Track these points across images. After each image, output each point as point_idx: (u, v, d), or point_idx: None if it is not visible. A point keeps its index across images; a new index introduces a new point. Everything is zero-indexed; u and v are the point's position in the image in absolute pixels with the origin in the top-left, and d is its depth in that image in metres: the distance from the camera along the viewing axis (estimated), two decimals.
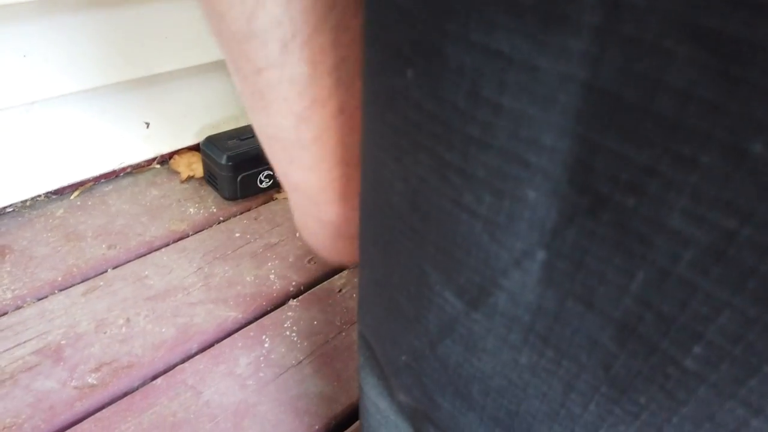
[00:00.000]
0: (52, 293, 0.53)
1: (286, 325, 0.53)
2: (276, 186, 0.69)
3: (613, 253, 0.15)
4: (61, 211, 0.63)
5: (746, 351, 0.13)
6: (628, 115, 0.13)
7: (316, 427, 0.45)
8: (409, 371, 0.25)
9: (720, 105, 0.11)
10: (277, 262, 0.60)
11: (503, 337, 0.19)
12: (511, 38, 0.13)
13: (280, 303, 0.56)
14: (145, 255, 0.59)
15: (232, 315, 0.53)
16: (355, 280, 0.58)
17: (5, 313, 0.51)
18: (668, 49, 0.11)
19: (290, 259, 0.60)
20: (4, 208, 0.61)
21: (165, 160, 0.73)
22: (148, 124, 0.69)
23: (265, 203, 0.68)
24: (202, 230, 0.63)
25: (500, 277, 0.18)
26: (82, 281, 0.55)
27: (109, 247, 0.59)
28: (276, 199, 0.69)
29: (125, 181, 0.69)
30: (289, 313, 0.54)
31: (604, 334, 0.16)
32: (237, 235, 0.63)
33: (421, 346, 0.23)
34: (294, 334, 0.52)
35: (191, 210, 0.65)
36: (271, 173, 0.68)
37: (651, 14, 0.11)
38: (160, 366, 0.48)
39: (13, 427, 0.42)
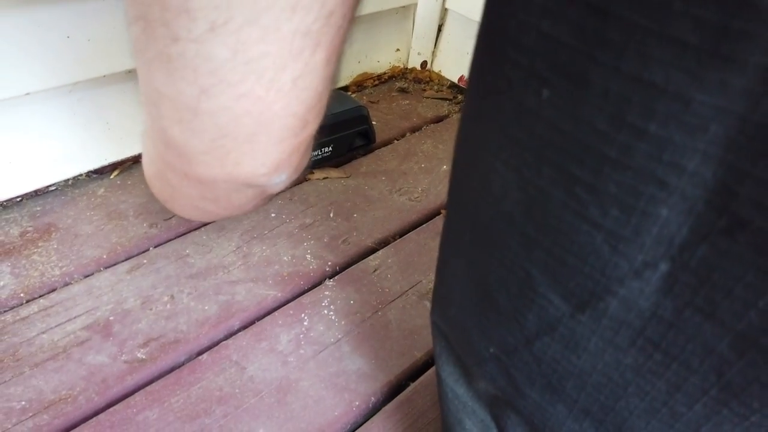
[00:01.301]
0: (98, 270, 0.55)
1: (323, 304, 0.54)
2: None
3: (743, 271, 0.16)
4: (102, 190, 0.64)
5: None
6: None
7: (357, 403, 0.46)
8: (496, 362, 0.26)
9: None
10: (312, 242, 0.61)
11: (608, 339, 0.21)
12: (667, 71, 0.14)
13: (317, 282, 0.57)
14: (185, 234, 0.60)
15: (272, 293, 0.55)
16: (389, 260, 0.60)
17: (54, 290, 0.53)
18: None
19: (325, 240, 0.61)
20: (48, 186, 0.63)
21: None
22: None
23: (298, 184, 0.69)
24: None
25: (615, 285, 0.19)
26: (126, 259, 0.57)
27: (150, 226, 0.60)
28: (309, 179, 0.70)
29: None
30: (326, 293, 0.56)
31: (721, 344, 0.17)
32: (273, 215, 0.64)
33: (514, 342, 0.24)
34: (332, 313, 0.54)
35: None
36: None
37: None
38: (204, 342, 0.50)
39: (69, 399, 0.44)
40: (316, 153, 0.70)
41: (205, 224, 0.62)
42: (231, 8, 0.21)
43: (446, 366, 0.33)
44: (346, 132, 0.72)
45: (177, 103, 0.26)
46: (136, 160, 0.69)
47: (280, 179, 0.31)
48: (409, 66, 0.94)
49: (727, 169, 0.15)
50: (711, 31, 0.13)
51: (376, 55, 0.89)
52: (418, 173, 0.73)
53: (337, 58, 0.27)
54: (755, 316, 0.16)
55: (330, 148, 0.71)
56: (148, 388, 0.46)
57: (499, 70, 0.20)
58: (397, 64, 0.93)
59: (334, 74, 0.28)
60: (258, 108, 0.25)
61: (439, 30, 0.91)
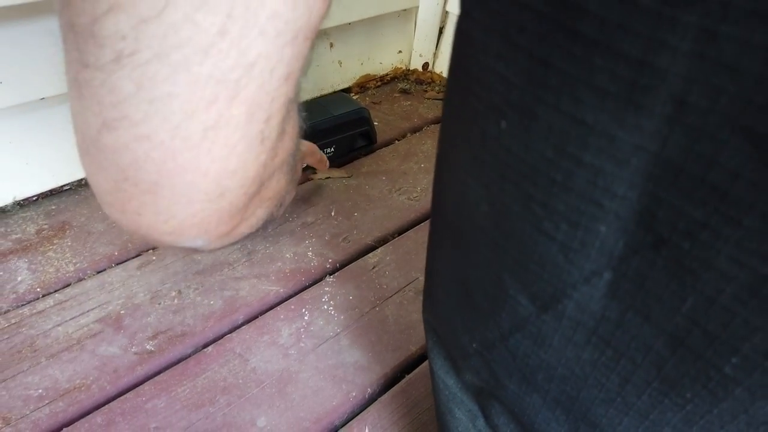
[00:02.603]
0: (110, 266, 0.58)
1: (323, 300, 0.57)
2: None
3: (668, 281, 0.18)
4: None
5: None
6: (688, 181, 0.16)
7: (353, 393, 0.49)
8: (479, 357, 0.29)
9: (759, 183, 0.14)
10: (314, 240, 0.63)
11: (568, 337, 0.23)
12: (595, 113, 0.17)
13: (317, 279, 0.59)
14: None
15: (274, 289, 0.57)
16: (388, 258, 0.62)
17: (68, 285, 0.56)
18: (723, 139, 0.15)
19: (326, 238, 0.64)
20: (62, 186, 0.66)
21: None
22: None
23: (300, 183, 0.72)
24: None
25: (570, 289, 0.22)
26: (137, 255, 0.60)
27: None
28: (311, 179, 0.72)
29: None
30: (326, 288, 0.58)
31: (657, 342, 0.20)
32: None
33: (492, 338, 0.27)
34: (331, 308, 0.56)
35: None
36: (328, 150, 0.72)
37: (711, 113, 0.14)
38: (210, 335, 0.53)
39: (82, 387, 0.47)
40: None
41: None
42: (138, 39, 0.20)
43: (437, 359, 0.35)
44: (347, 133, 0.74)
45: (83, 134, 0.24)
46: None
47: (196, 244, 0.27)
48: (411, 67, 0.96)
49: (648, 196, 0.17)
50: (624, 84, 0.16)
51: (378, 57, 0.91)
52: (418, 173, 0.75)
53: (268, 118, 0.23)
54: (681, 320, 0.19)
55: (332, 149, 0.74)
56: (156, 378, 0.48)
57: (466, 102, 0.22)
58: (399, 66, 0.95)
59: (270, 137, 0.24)
60: (160, 155, 0.22)
61: (441, 32, 0.93)
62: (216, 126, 0.22)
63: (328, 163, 0.65)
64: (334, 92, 0.85)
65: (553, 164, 0.19)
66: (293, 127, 0.27)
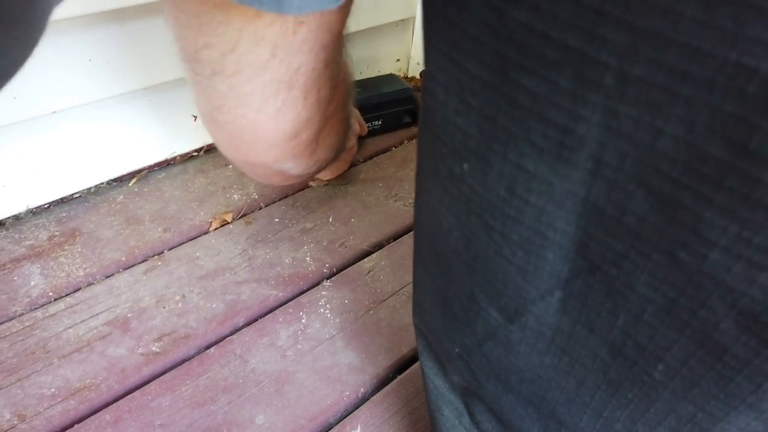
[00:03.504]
0: (118, 271, 0.61)
1: (320, 303, 0.60)
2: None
3: (604, 300, 0.21)
4: (121, 197, 0.70)
5: (690, 372, 0.20)
6: (610, 221, 0.19)
7: (347, 393, 0.52)
8: (461, 360, 0.32)
9: (659, 227, 0.17)
10: (312, 245, 0.66)
11: (532, 345, 0.26)
12: (534, 163, 0.20)
13: (315, 283, 0.62)
14: (196, 238, 0.66)
15: (273, 293, 0.60)
16: (383, 263, 0.65)
17: (78, 289, 0.59)
18: (630, 191, 0.18)
19: (324, 243, 0.67)
20: (72, 194, 0.69)
21: (211, 149, 0.79)
22: (195, 117, 0.75)
23: (300, 190, 0.75)
24: (245, 215, 0.70)
25: (529, 304, 0.25)
26: (143, 261, 0.63)
27: (164, 231, 0.66)
28: (311, 186, 0.75)
29: (176, 169, 0.76)
30: (323, 293, 0.61)
31: (602, 350, 0.23)
32: (276, 220, 0.69)
33: (470, 344, 0.30)
34: (327, 312, 0.59)
35: (235, 196, 0.72)
36: None
37: (620, 171, 0.17)
38: (212, 337, 0.56)
39: (92, 387, 0.50)
40: (368, 125, 0.83)
41: (215, 229, 0.67)
42: (223, 63, 0.31)
43: (427, 362, 0.38)
44: (393, 110, 0.85)
45: (203, 112, 0.37)
46: (151, 168, 0.75)
47: (288, 166, 0.42)
48: (410, 75, 0.98)
49: (582, 230, 0.20)
50: (554, 143, 0.19)
51: (377, 65, 0.94)
52: (413, 180, 0.78)
53: (318, 90, 0.35)
54: (617, 332, 0.21)
55: (379, 122, 0.84)
56: (161, 378, 0.51)
57: (435, 145, 0.25)
58: (397, 74, 0.97)
59: (322, 98, 0.36)
60: (253, 125, 0.34)
61: None
62: (284, 105, 0.33)
63: (366, 130, 0.80)
64: (389, 74, 0.92)
65: (506, 202, 0.22)
66: (340, 89, 0.39)
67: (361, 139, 0.82)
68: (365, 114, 0.81)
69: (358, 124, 0.77)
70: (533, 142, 0.19)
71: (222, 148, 0.40)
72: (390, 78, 0.89)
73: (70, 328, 0.55)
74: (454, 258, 0.28)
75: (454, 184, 0.25)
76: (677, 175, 0.16)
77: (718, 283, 0.17)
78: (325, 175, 0.73)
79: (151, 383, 0.51)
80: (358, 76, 0.92)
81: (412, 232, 0.69)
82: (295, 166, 0.43)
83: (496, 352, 0.29)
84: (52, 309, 0.56)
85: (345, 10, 0.32)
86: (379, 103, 0.83)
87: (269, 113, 0.34)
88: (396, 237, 0.69)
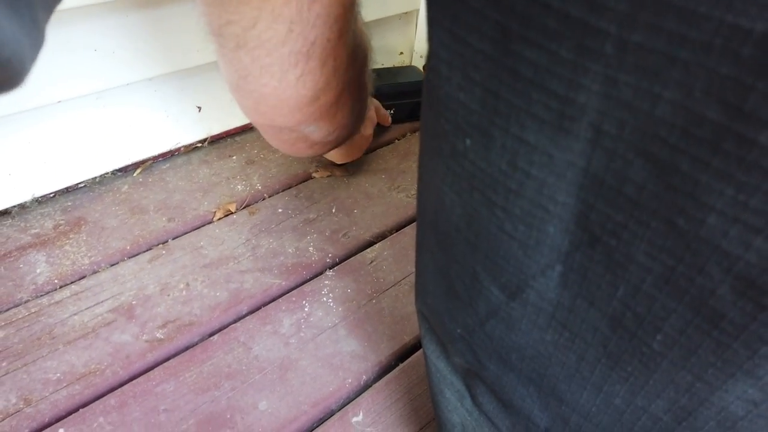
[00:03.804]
0: (123, 260, 0.62)
1: (323, 292, 0.60)
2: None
3: (604, 272, 0.21)
4: (126, 186, 0.71)
5: (688, 340, 0.20)
6: (609, 191, 0.19)
7: (349, 380, 0.52)
8: (463, 341, 0.32)
9: (659, 194, 0.18)
10: (315, 235, 0.67)
11: (533, 321, 0.27)
12: (536, 135, 0.20)
13: (318, 272, 0.63)
14: (199, 227, 0.67)
15: (277, 282, 0.61)
16: (385, 253, 0.65)
17: (84, 277, 0.60)
18: (630, 159, 0.18)
19: (327, 234, 0.67)
20: (78, 184, 0.70)
21: (215, 140, 0.80)
22: (200, 108, 0.76)
23: (304, 181, 0.75)
24: (249, 205, 0.70)
25: (530, 280, 0.25)
26: (147, 250, 0.63)
27: (168, 220, 0.67)
28: (314, 177, 0.75)
29: (180, 160, 0.77)
30: (326, 282, 0.61)
31: (602, 323, 0.23)
32: (279, 210, 0.70)
33: (473, 323, 0.30)
34: (330, 300, 0.59)
35: (239, 187, 0.73)
36: None
37: (619, 139, 0.18)
38: (215, 325, 0.56)
39: (97, 372, 0.51)
40: None
41: (219, 219, 0.68)
42: (246, 37, 0.33)
43: (430, 345, 0.39)
44: (405, 101, 0.84)
45: (230, 81, 0.40)
46: (156, 159, 0.75)
47: (308, 129, 0.45)
48: None
49: (582, 202, 0.21)
50: (555, 114, 0.19)
51: (381, 58, 0.94)
52: (416, 171, 0.78)
53: (335, 58, 0.38)
54: (617, 304, 0.22)
55: (392, 111, 0.83)
56: (165, 364, 0.52)
57: (437, 122, 0.25)
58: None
59: (339, 65, 0.39)
60: (276, 93, 0.37)
61: None
62: (303, 74, 0.36)
63: (389, 120, 0.83)
64: (409, 65, 0.93)
65: (508, 176, 0.22)
66: (357, 56, 0.43)
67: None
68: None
69: (379, 114, 0.79)
70: (534, 113, 0.19)
71: (248, 113, 0.44)
72: (409, 69, 0.90)
73: (75, 314, 0.55)
74: (456, 236, 0.28)
75: (457, 161, 0.25)
76: (675, 141, 0.16)
77: (714, 248, 0.17)
78: (338, 158, 0.73)
79: (156, 369, 0.51)
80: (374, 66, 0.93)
81: (414, 223, 0.70)
82: (316, 129, 0.46)
83: (498, 330, 0.29)
84: (58, 296, 0.57)
85: None
86: (393, 93, 0.83)
87: (290, 81, 0.37)
88: (398, 228, 0.70)
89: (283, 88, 0.37)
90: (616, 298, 0.22)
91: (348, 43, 0.39)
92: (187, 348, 0.54)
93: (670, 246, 0.18)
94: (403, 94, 0.84)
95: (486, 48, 0.20)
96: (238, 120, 0.81)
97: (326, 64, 0.37)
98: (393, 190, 0.75)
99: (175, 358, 0.53)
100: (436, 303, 0.35)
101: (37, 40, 0.20)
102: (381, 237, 0.68)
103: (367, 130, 0.73)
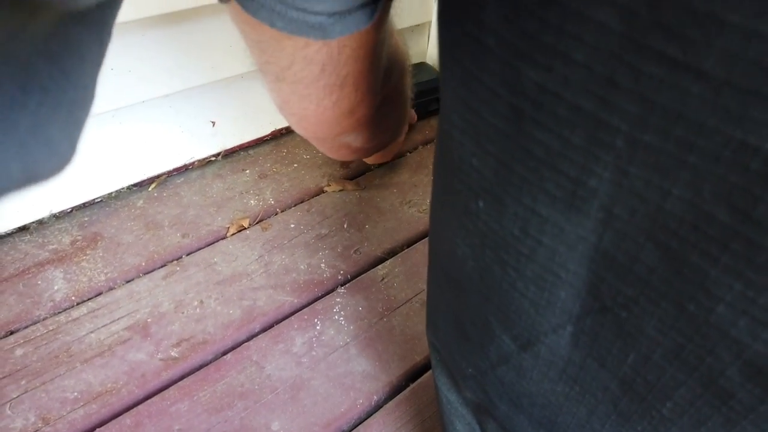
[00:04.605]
0: (138, 276, 0.63)
1: (335, 310, 0.61)
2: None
3: (614, 339, 0.22)
4: (141, 201, 0.72)
5: (697, 412, 0.20)
6: (620, 268, 0.20)
7: (360, 401, 0.53)
8: (474, 380, 0.33)
9: (669, 279, 0.18)
10: (327, 251, 0.67)
11: (544, 372, 0.27)
12: (548, 209, 0.21)
13: (330, 290, 0.63)
14: (213, 243, 0.67)
15: (289, 300, 0.61)
16: (396, 270, 0.66)
17: (100, 293, 0.61)
18: (641, 242, 0.18)
19: (338, 250, 0.68)
20: (94, 199, 0.71)
21: (228, 153, 0.81)
22: (213, 123, 0.76)
23: (316, 195, 0.76)
24: (262, 220, 0.71)
25: (542, 336, 0.26)
26: (162, 266, 0.64)
27: (183, 236, 0.68)
28: (326, 191, 0.76)
29: (194, 174, 0.77)
30: (338, 299, 0.62)
31: (612, 384, 0.24)
32: (292, 225, 0.70)
33: (484, 366, 0.31)
34: (342, 318, 0.60)
35: (252, 202, 0.73)
36: None
37: (631, 224, 0.18)
38: (229, 343, 0.57)
39: (113, 391, 0.52)
40: None
41: (232, 234, 0.68)
42: (283, 74, 0.37)
43: (441, 377, 0.39)
44: (421, 100, 0.87)
45: (276, 104, 0.44)
46: (170, 173, 0.76)
47: (348, 139, 0.49)
48: None
49: (593, 273, 0.21)
50: (567, 193, 0.19)
51: None
52: (428, 185, 0.78)
53: (368, 83, 0.41)
54: (627, 369, 0.22)
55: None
56: (180, 383, 0.53)
57: (450, 181, 0.26)
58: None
59: (373, 86, 0.42)
60: (315, 114, 0.41)
61: None
62: (338, 99, 0.39)
63: (415, 117, 0.87)
64: (420, 62, 0.94)
65: (520, 240, 0.23)
66: (394, 70, 0.46)
67: None
68: None
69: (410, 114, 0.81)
70: (546, 189, 0.20)
71: (294, 128, 0.48)
72: (420, 67, 0.91)
73: (92, 332, 0.56)
74: (468, 285, 0.29)
75: (470, 219, 0.25)
76: (685, 234, 0.16)
77: (724, 335, 0.17)
78: (371, 160, 0.77)
79: (170, 388, 0.52)
80: None
81: (426, 239, 0.70)
82: (356, 139, 0.50)
83: (509, 377, 0.30)
84: (75, 313, 0.58)
85: (380, 21, 0.36)
86: None
87: (327, 105, 0.40)
88: (410, 243, 0.70)
89: (321, 110, 0.41)
90: (627, 364, 0.22)
91: (381, 66, 0.42)
92: (201, 367, 0.55)
93: (680, 326, 0.19)
94: (418, 93, 0.85)
95: (499, 123, 0.20)
96: (251, 134, 0.81)
97: (359, 89, 0.41)
98: (404, 204, 0.75)
99: (189, 377, 0.54)
100: (447, 339, 0.35)
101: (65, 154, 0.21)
102: (392, 253, 0.68)
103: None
